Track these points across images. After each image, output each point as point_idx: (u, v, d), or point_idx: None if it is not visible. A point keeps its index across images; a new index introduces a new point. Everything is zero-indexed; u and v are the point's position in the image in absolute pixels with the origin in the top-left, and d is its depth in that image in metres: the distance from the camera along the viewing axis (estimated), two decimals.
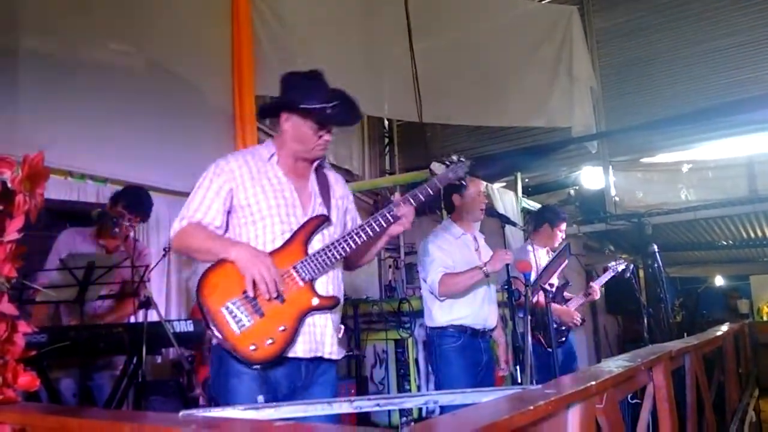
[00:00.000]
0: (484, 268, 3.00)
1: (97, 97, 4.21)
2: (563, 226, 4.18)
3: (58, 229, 3.26)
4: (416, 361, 5.25)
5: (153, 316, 3.04)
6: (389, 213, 1.92)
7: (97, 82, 4.24)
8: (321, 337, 1.89)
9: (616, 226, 7.23)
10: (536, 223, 4.31)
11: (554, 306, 4.04)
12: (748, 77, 6.63)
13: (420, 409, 4.65)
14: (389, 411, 4.90)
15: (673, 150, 7.21)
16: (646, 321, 4.16)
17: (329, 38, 6.02)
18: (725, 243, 9.01)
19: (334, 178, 2.12)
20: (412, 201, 1.96)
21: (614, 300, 7.69)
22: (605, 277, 4.40)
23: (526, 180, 7.38)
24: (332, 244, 1.88)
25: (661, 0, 7.22)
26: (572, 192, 7.87)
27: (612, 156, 7.44)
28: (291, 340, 1.81)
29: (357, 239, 1.89)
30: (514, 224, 3.33)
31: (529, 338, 3.06)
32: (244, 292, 1.79)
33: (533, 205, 6.85)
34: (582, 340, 6.79)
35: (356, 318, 5.14)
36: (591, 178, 7.62)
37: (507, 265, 3.01)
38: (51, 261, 3.06)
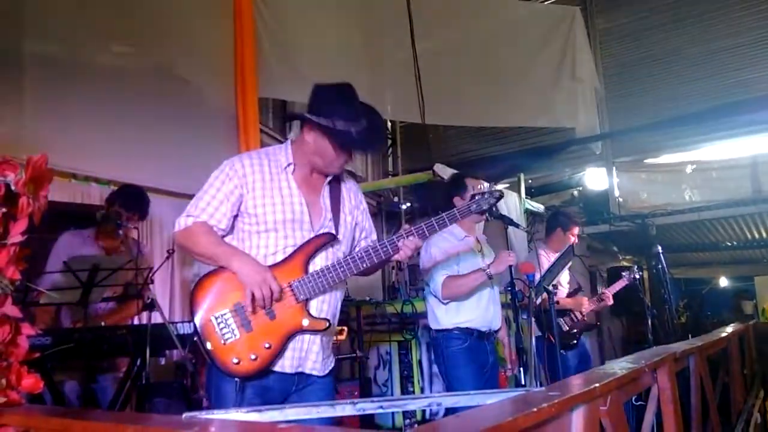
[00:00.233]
0: (488, 271, 2.99)
1: (102, 99, 4.22)
2: (576, 230, 4.24)
3: (63, 231, 3.27)
4: (420, 363, 5.25)
5: (157, 318, 3.05)
6: (393, 244, 1.88)
7: (101, 85, 4.25)
8: (305, 354, 1.86)
9: (620, 227, 7.21)
10: (549, 227, 4.35)
11: (564, 300, 4.06)
12: (751, 77, 6.62)
13: (423, 411, 4.64)
14: (393, 413, 4.89)
15: (676, 151, 7.20)
16: (650, 322, 4.15)
17: (331, 40, 6.02)
18: (729, 244, 8.98)
19: (347, 189, 2.07)
20: (426, 232, 1.90)
21: (618, 301, 7.64)
22: (620, 285, 4.39)
23: (530, 181, 7.37)
24: (332, 266, 1.84)
25: (664, 0, 7.20)
26: (576, 193, 7.86)
27: (615, 157, 7.43)
28: (274, 359, 1.79)
29: (360, 264, 1.85)
30: (517, 226, 3.32)
31: (533, 340, 3.06)
32: (236, 304, 1.77)
33: (536, 206, 6.84)
34: (586, 342, 6.77)
35: (359, 320, 5.12)
36: (594, 179, 7.60)
37: (510, 266, 3.01)
38: (51, 264, 3.07)
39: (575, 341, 4.08)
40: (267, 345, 1.77)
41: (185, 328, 3.16)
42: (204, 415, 1.18)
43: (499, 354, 3.46)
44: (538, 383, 2.95)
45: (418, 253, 3.88)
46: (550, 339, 3.50)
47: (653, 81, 7.18)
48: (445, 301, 3.11)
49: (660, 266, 4.35)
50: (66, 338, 2.73)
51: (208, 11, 5.14)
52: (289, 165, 1.94)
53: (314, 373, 1.89)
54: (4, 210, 1.32)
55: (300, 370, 1.86)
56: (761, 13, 6.61)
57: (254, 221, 1.87)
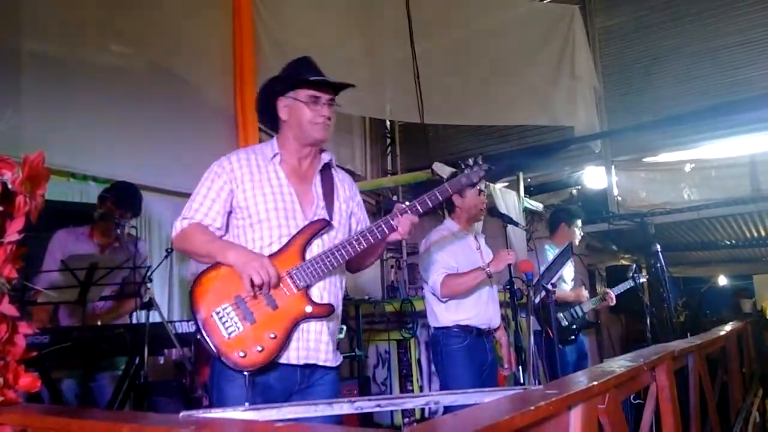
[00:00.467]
0: (487, 269, 2.99)
1: (100, 98, 4.21)
2: (579, 222, 4.29)
3: (58, 229, 3.27)
4: (419, 362, 5.25)
5: (155, 317, 3.04)
6: (388, 222, 1.88)
7: (100, 84, 4.24)
8: (315, 344, 1.84)
9: (619, 225, 7.21)
10: (552, 225, 4.39)
11: (565, 293, 4.08)
12: (750, 76, 6.61)
13: (422, 410, 4.64)
14: (392, 412, 4.90)
15: (675, 149, 7.19)
16: (649, 321, 4.15)
17: (330, 40, 6.02)
18: (728, 242, 8.98)
19: (340, 179, 2.08)
20: (419, 208, 1.90)
21: (618, 300, 7.67)
22: (623, 287, 4.40)
23: (529, 180, 7.36)
24: (329, 250, 1.83)
25: None
26: (575, 192, 7.86)
27: (614, 155, 7.43)
28: (281, 348, 1.77)
29: (356, 246, 1.84)
30: (516, 224, 3.32)
31: (532, 339, 3.06)
32: (236, 297, 1.76)
33: (535, 204, 6.84)
34: (585, 340, 6.78)
35: (358, 318, 5.13)
36: (593, 177, 7.60)
37: (509, 265, 3.01)
38: (47, 262, 3.07)
39: (573, 337, 4.09)
40: (272, 335, 1.75)
41: (183, 327, 3.16)
42: (201, 413, 1.18)
43: (497, 353, 3.46)
44: (537, 381, 2.95)
45: (417, 252, 3.88)
46: (548, 334, 3.51)
47: (652, 79, 7.18)
48: (444, 299, 3.11)
49: (659, 265, 4.35)
50: (64, 337, 2.72)
51: (208, 11, 5.14)
52: (275, 155, 1.95)
53: (327, 364, 1.88)
54: (0, 208, 1.32)
55: (311, 361, 1.84)
56: (760, 11, 6.60)
57: (246, 214, 1.88)
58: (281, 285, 1.79)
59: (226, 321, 1.74)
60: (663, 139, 7.08)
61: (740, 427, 3.47)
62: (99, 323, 3.10)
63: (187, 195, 2.00)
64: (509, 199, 6.13)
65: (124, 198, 3.19)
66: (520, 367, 3.08)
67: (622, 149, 7.39)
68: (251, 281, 1.73)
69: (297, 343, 1.81)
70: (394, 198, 7.39)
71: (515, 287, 3.07)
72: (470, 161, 2.03)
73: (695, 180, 7.07)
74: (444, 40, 6.76)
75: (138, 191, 3.31)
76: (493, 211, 3.37)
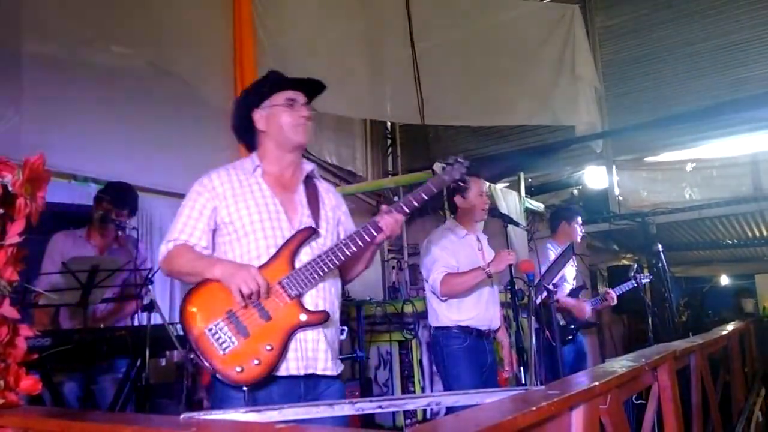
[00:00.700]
0: (487, 269, 2.99)
1: (101, 100, 4.22)
2: (579, 219, 4.31)
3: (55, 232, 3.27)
4: (420, 363, 5.24)
5: (156, 319, 3.04)
6: (374, 224, 1.87)
7: (100, 85, 4.25)
8: (313, 353, 1.81)
9: (620, 225, 7.20)
10: (553, 225, 4.41)
11: (567, 300, 4.07)
12: (752, 75, 6.60)
13: (424, 411, 4.64)
14: (393, 413, 4.89)
15: (677, 149, 7.18)
16: (651, 321, 4.15)
17: (330, 42, 6.01)
18: (730, 242, 8.97)
19: (325, 188, 2.07)
20: (404, 208, 1.90)
21: (619, 300, 7.66)
22: (626, 287, 4.40)
23: (529, 180, 7.36)
24: (319, 257, 1.81)
25: None
26: (576, 192, 7.85)
27: (615, 155, 7.42)
28: (279, 359, 1.73)
29: (346, 250, 1.83)
30: (517, 224, 3.32)
31: (534, 339, 3.06)
32: (228, 311, 1.73)
33: (536, 205, 6.84)
34: (587, 340, 6.77)
35: (360, 319, 5.12)
36: (594, 177, 7.60)
37: (510, 265, 3.00)
38: (45, 266, 3.07)
39: (571, 336, 4.09)
40: (268, 347, 1.72)
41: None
42: (203, 415, 1.18)
43: (498, 354, 3.46)
44: (539, 382, 2.94)
45: (418, 252, 3.88)
46: (547, 335, 3.51)
47: (653, 79, 7.17)
48: (443, 298, 3.11)
49: (660, 265, 4.35)
50: (66, 339, 2.73)
51: (208, 12, 5.14)
52: (256, 168, 1.93)
53: (327, 373, 1.84)
54: (1, 211, 1.32)
55: (311, 371, 1.81)
56: (761, 9, 6.59)
57: (231, 229, 1.85)
58: (273, 296, 1.76)
59: (220, 337, 1.71)
60: (664, 138, 7.07)
61: (742, 427, 3.46)
62: (101, 326, 3.10)
63: None
64: (510, 200, 6.13)
65: (119, 196, 3.19)
66: (522, 368, 3.08)
67: (623, 149, 7.38)
68: (240, 292, 1.69)
69: (295, 353, 1.78)
70: (395, 199, 7.40)
71: (516, 288, 3.07)
72: (451, 159, 2.03)
73: (696, 179, 7.06)
74: (444, 40, 6.76)
75: (133, 189, 3.31)
76: (493, 211, 3.36)
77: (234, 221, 1.85)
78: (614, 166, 7.43)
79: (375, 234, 1.86)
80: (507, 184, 6.87)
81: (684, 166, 7.15)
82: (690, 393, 2.61)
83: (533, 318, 3.11)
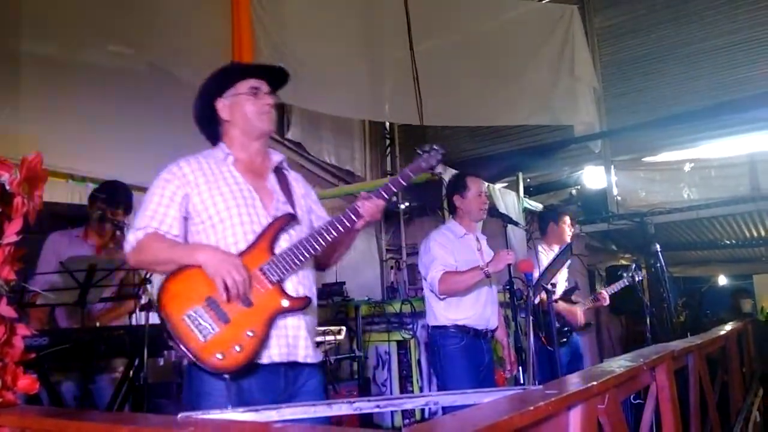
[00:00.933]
0: (486, 269, 2.99)
1: (99, 99, 4.22)
2: (567, 218, 4.29)
3: (51, 232, 3.27)
4: (419, 363, 5.24)
5: (154, 319, 3.04)
6: (354, 209, 1.85)
7: (99, 85, 4.25)
8: (294, 340, 1.79)
9: (619, 225, 7.21)
10: (541, 227, 4.39)
11: (560, 305, 4.06)
12: (749, 75, 6.61)
13: (423, 411, 4.64)
14: (392, 413, 4.89)
15: (675, 149, 7.19)
16: (649, 321, 4.15)
17: (329, 43, 6.01)
18: (728, 242, 8.98)
19: (294, 177, 2.06)
20: (383, 194, 1.88)
21: (617, 300, 7.68)
22: (618, 285, 4.39)
23: (528, 180, 7.36)
24: (299, 242, 1.80)
25: None
26: (574, 192, 7.86)
27: (614, 155, 7.43)
28: (261, 346, 1.70)
29: (327, 236, 1.81)
30: (516, 224, 3.33)
31: (532, 338, 3.06)
32: (207, 298, 1.69)
33: (535, 205, 6.84)
34: (585, 341, 6.77)
35: (358, 319, 5.13)
36: (593, 177, 7.60)
37: (509, 265, 3.01)
38: (40, 265, 3.06)
39: (565, 339, 4.08)
40: (250, 333, 1.68)
41: None
42: (200, 415, 1.18)
43: (498, 354, 3.46)
44: (537, 382, 2.94)
45: (417, 252, 3.88)
46: (543, 339, 3.51)
47: (652, 79, 7.18)
48: (441, 297, 3.11)
49: (659, 265, 4.35)
50: (63, 339, 2.72)
51: (207, 12, 5.14)
52: (227, 156, 1.91)
53: (309, 360, 1.83)
54: None
55: (292, 359, 1.78)
56: (760, 10, 6.60)
57: (205, 216, 1.81)
58: (254, 281, 1.73)
59: (200, 323, 1.66)
60: (662, 138, 7.08)
61: (740, 427, 3.46)
62: (98, 325, 3.10)
63: None
64: (509, 200, 6.14)
65: (114, 194, 3.18)
66: (520, 368, 3.08)
67: (622, 149, 7.39)
68: (225, 285, 1.66)
69: (277, 340, 1.75)
70: (393, 198, 7.39)
71: (515, 287, 3.08)
72: (426, 147, 2.03)
73: (695, 179, 7.07)
74: (443, 41, 6.77)
75: (127, 188, 3.30)
76: (493, 211, 3.37)
77: (208, 208, 1.81)
78: (613, 166, 7.43)
79: (355, 219, 1.85)
80: (505, 184, 6.87)
81: (682, 166, 7.16)
82: (688, 393, 2.61)
83: (525, 321, 3.12)
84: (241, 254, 1.75)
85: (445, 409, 2.13)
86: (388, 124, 8.31)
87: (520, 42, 6.99)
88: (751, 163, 6.80)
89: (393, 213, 7.52)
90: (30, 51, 3.89)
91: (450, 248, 3.18)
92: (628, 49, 7.41)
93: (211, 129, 1.99)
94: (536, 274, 3.26)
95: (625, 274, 4.39)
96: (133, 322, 3.25)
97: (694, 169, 7.08)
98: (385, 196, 1.89)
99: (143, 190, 3.60)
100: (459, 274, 3.06)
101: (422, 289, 3.52)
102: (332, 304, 5.46)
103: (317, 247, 1.80)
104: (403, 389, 5.28)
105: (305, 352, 1.81)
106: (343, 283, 5.76)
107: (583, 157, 7.51)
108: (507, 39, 6.92)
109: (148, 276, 3.10)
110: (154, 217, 1.80)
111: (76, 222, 3.37)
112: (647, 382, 1.93)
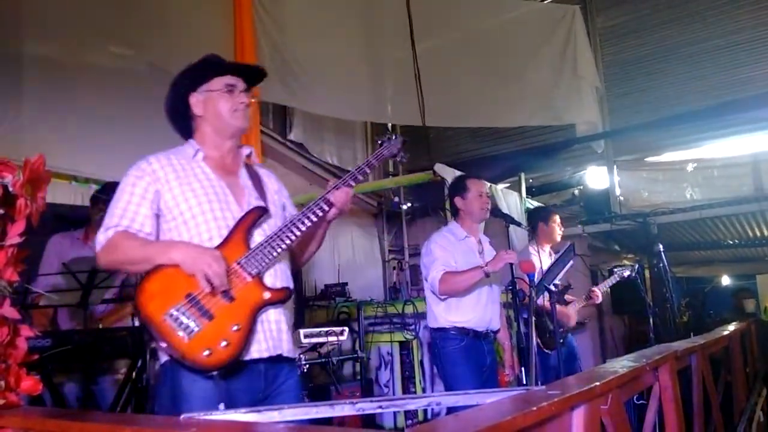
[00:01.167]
0: (485, 268, 2.99)
1: (102, 101, 4.22)
2: (556, 217, 4.30)
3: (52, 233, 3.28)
4: (421, 363, 5.24)
5: None
6: (325, 199, 1.85)
7: (101, 86, 4.25)
8: (277, 334, 1.78)
9: (621, 225, 7.19)
10: (532, 228, 4.39)
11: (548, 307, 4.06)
12: (752, 75, 6.59)
13: (425, 412, 4.64)
14: (395, 413, 4.89)
15: (678, 149, 7.18)
16: (652, 321, 4.14)
17: (330, 44, 6.01)
18: (731, 242, 8.96)
19: (266, 173, 2.05)
20: (350, 182, 1.89)
21: (620, 300, 7.66)
22: (609, 282, 4.40)
23: (530, 180, 7.36)
24: (275, 234, 1.78)
25: None
26: (576, 192, 7.84)
27: (616, 155, 7.42)
28: (247, 339, 1.68)
29: (300, 226, 1.80)
30: (518, 224, 3.33)
31: (534, 339, 3.05)
32: (187, 295, 1.65)
33: (537, 205, 6.83)
34: (588, 341, 6.77)
35: (360, 320, 5.13)
36: (595, 177, 7.59)
37: (511, 265, 3.00)
38: (43, 267, 3.07)
39: (561, 340, 4.07)
40: (235, 327, 1.65)
41: None
42: (202, 415, 1.18)
43: (499, 355, 3.46)
44: (539, 382, 2.94)
45: (419, 253, 3.88)
46: (537, 342, 3.50)
47: (654, 79, 7.17)
48: (442, 297, 3.11)
49: (661, 265, 4.34)
50: (66, 340, 2.73)
51: (209, 12, 5.15)
52: (197, 152, 1.88)
53: (290, 355, 1.83)
54: (1, 211, 1.32)
55: (278, 352, 1.78)
56: (762, 10, 6.59)
57: (177, 212, 1.78)
58: (232, 276, 1.70)
59: (182, 322, 1.62)
60: (665, 138, 7.06)
61: (744, 427, 3.45)
62: (100, 326, 3.11)
63: None
64: (511, 200, 6.14)
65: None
66: (523, 368, 3.08)
67: (624, 149, 7.38)
68: (207, 278, 1.63)
69: (262, 334, 1.74)
70: (396, 199, 7.40)
71: (518, 288, 3.07)
72: (387, 135, 2.06)
73: (698, 179, 7.05)
74: (445, 41, 6.77)
75: None
76: (495, 211, 3.37)
77: (180, 204, 1.78)
78: (615, 167, 7.42)
79: (326, 208, 1.85)
80: (508, 184, 6.87)
81: (685, 166, 7.14)
82: (691, 393, 2.60)
83: (522, 322, 3.12)
84: (217, 249, 1.73)
85: (449, 410, 2.13)
86: (390, 124, 8.31)
87: (522, 42, 6.98)
88: (755, 163, 6.78)
89: (395, 214, 7.53)
90: (32, 52, 3.90)
91: (451, 250, 3.18)
92: (630, 49, 7.40)
93: (184, 123, 1.96)
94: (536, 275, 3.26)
95: (616, 270, 4.40)
96: (136, 324, 3.25)
97: (697, 169, 7.06)
98: (352, 183, 1.91)
99: None
100: (459, 274, 3.06)
101: (424, 289, 3.52)
102: (335, 305, 5.46)
103: (293, 237, 1.79)
104: (406, 390, 5.28)
105: (288, 346, 1.82)
106: (346, 283, 5.77)
107: (585, 158, 7.50)
108: (509, 39, 6.92)
109: None
110: (124, 216, 1.76)
111: (79, 224, 3.38)
112: (650, 382, 1.93)
